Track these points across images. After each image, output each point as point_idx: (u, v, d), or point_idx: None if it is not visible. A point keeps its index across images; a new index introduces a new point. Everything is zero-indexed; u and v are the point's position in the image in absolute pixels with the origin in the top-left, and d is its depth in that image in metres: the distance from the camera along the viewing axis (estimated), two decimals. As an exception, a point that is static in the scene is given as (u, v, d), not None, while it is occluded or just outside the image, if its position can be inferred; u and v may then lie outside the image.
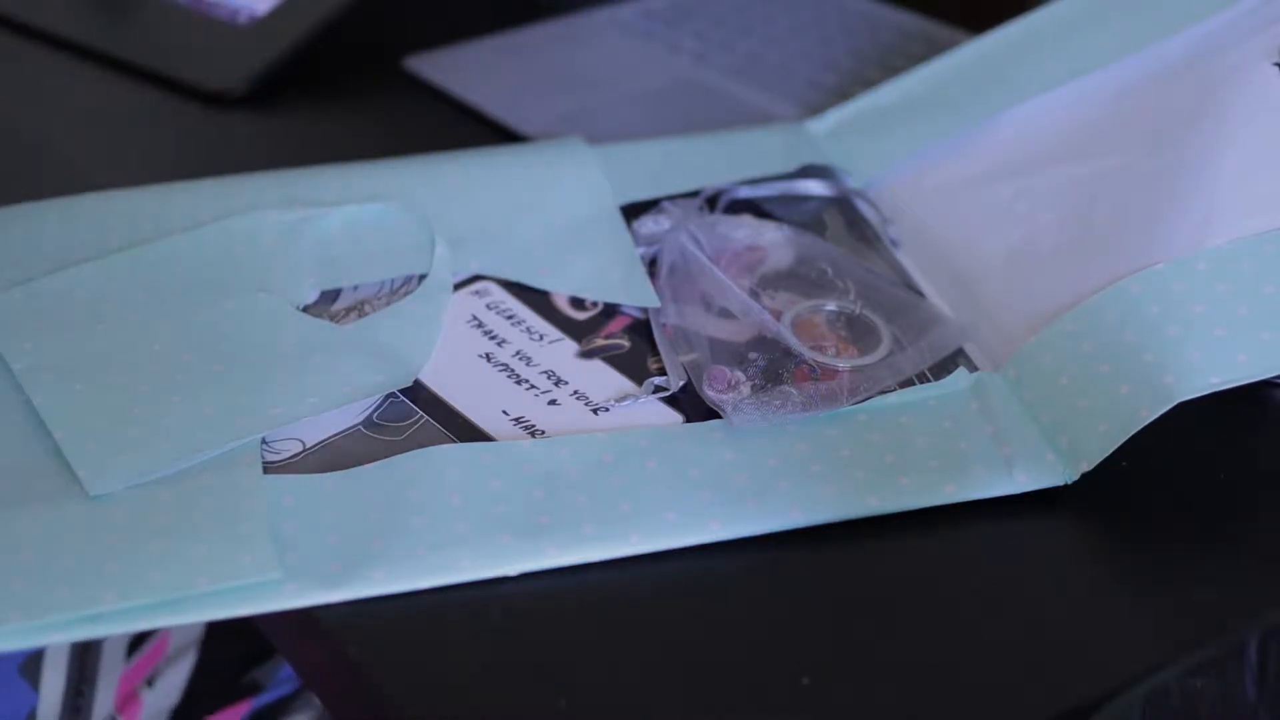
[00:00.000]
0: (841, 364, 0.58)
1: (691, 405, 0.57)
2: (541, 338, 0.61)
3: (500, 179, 0.68)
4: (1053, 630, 0.48)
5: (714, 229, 0.66)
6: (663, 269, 0.64)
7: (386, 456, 0.53)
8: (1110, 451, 0.53)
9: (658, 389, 0.57)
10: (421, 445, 0.54)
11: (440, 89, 0.83)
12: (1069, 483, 0.53)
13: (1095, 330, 0.56)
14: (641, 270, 0.64)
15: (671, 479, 0.53)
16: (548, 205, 0.67)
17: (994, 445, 0.54)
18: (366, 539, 0.50)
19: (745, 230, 0.66)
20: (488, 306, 0.62)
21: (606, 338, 0.61)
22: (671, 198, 0.68)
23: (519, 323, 0.62)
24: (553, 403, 0.57)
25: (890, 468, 0.53)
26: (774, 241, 0.66)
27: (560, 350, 0.60)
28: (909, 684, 0.46)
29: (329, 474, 0.53)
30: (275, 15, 0.85)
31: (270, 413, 0.55)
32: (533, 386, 0.58)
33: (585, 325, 0.62)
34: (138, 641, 0.69)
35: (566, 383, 0.58)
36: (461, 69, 0.84)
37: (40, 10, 0.89)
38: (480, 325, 0.61)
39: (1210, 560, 0.51)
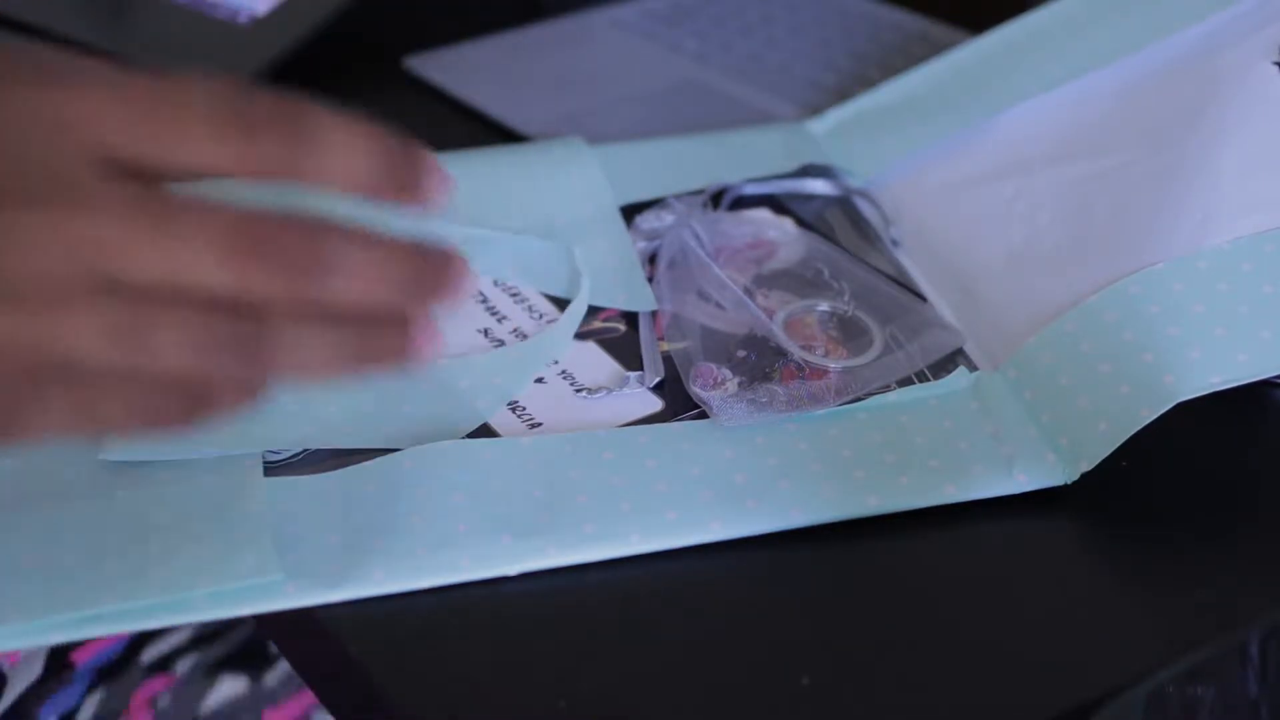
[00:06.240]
0: (831, 364, 0.58)
1: (674, 394, 0.57)
2: (541, 316, 0.61)
3: (500, 179, 0.68)
4: (1053, 630, 0.48)
5: (716, 225, 0.66)
6: (662, 263, 0.64)
7: (386, 455, 0.53)
8: (1110, 451, 0.53)
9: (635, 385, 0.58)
10: (422, 443, 0.54)
11: (440, 89, 0.83)
12: (1069, 483, 0.53)
13: (1095, 330, 0.56)
14: (641, 274, 0.64)
15: (672, 478, 0.53)
16: (547, 205, 0.67)
17: (994, 445, 0.54)
18: (366, 539, 0.50)
19: (747, 228, 0.66)
20: (494, 283, 0.63)
21: (604, 320, 0.61)
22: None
23: (522, 300, 0.62)
24: (539, 380, 0.58)
25: (890, 467, 0.53)
26: (775, 240, 0.66)
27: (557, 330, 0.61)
28: (909, 684, 0.46)
29: (329, 474, 0.53)
30: (275, 15, 0.85)
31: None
32: None
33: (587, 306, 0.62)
34: None
35: (556, 361, 0.59)
36: (461, 69, 0.84)
37: (40, 10, 0.89)
38: (485, 301, 0.62)
39: (1210, 560, 0.51)
